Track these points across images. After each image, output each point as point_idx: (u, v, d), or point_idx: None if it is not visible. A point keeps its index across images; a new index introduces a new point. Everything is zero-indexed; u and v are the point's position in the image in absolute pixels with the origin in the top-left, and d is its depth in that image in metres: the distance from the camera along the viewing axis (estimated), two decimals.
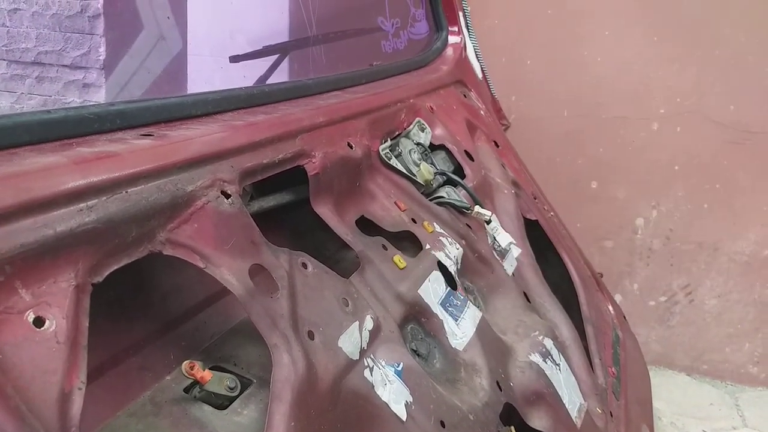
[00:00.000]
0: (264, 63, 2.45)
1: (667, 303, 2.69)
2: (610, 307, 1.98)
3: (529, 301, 1.46)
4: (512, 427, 1.10)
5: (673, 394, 2.57)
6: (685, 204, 2.57)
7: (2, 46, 3.28)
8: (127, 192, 0.71)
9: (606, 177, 2.65)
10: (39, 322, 0.59)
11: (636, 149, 2.58)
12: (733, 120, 2.43)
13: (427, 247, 1.23)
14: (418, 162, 1.40)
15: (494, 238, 1.52)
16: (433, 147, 1.55)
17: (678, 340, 2.71)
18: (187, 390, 0.90)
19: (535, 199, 1.89)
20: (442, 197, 1.42)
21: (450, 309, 1.17)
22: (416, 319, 1.11)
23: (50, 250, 0.62)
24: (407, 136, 1.46)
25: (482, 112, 1.99)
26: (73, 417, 0.57)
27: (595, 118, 2.61)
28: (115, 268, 0.70)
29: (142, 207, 0.72)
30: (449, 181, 1.49)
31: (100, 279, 0.68)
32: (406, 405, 0.92)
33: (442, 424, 0.96)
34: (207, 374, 0.82)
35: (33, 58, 3.25)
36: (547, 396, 1.21)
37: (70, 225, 0.64)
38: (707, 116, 2.46)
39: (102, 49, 3.07)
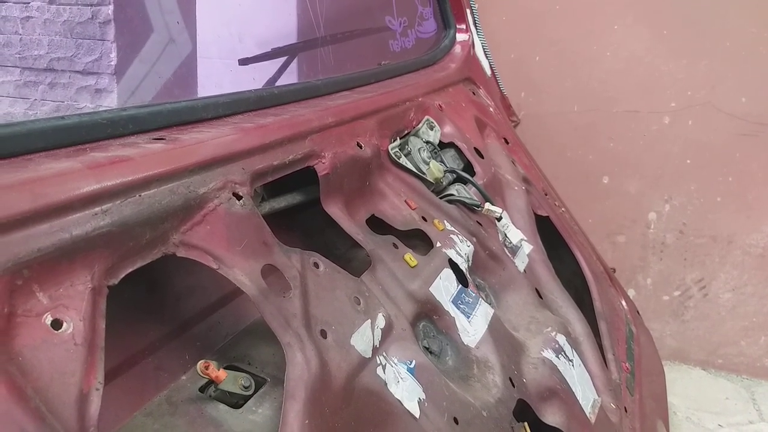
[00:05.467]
0: (273, 65, 2.46)
1: (681, 297, 2.68)
2: (624, 303, 1.98)
3: (541, 297, 1.46)
4: (526, 424, 1.10)
5: (688, 389, 2.55)
6: (698, 197, 2.55)
7: (15, 53, 3.32)
8: (140, 195, 0.72)
9: (617, 172, 2.64)
10: (57, 324, 0.60)
11: (647, 143, 2.57)
12: (745, 112, 2.41)
13: (438, 245, 1.23)
14: (428, 160, 1.40)
15: (505, 234, 1.52)
16: (443, 145, 1.55)
17: (692, 335, 2.69)
18: (202, 389, 0.91)
19: (546, 195, 1.89)
20: (452, 195, 1.42)
21: (462, 306, 1.17)
22: (428, 316, 1.11)
23: (66, 254, 0.63)
24: (416, 134, 1.46)
25: (491, 109, 1.99)
26: (91, 417, 0.58)
27: (605, 113, 2.60)
28: (131, 270, 0.71)
29: (155, 210, 0.73)
30: (459, 179, 1.49)
31: (115, 281, 0.69)
32: (419, 402, 0.93)
33: (456, 420, 0.96)
34: (222, 374, 0.84)
35: (45, 65, 3.28)
36: (560, 392, 1.21)
37: (85, 229, 0.65)
38: (719, 109, 2.44)
39: (113, 55, 3.10)
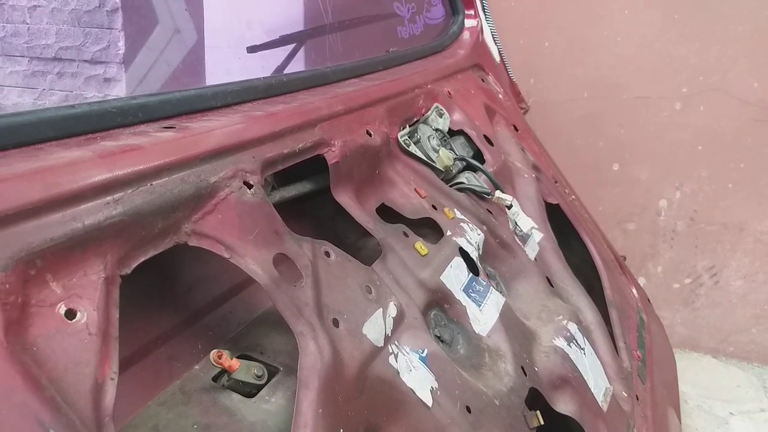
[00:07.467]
0: (281, 52, 2.45)
1: (692, 285, 2.66)
2: (634, 291, 1.97)
3: (552, 285, 1.45)
4: (538, 412, 1.10)
5: (699, 377, 2.55)
6: (709, 184, 2.53)
7: (23, 43, 3.32)
8: (152, 184, 0.72)
9: (628, 158, 2.62)
10: (70, 314, 0.60)
11: (658, 129, 2.54)
12: (757, 97, 2.38)
13: (448, 233, 1.23)
14: (437, 148, 1.39)
15: (515, 222, 1.51)
16: (452, 132, 1.54)
17: (703, 323, 2.68)
18: (215, 379, 0.91)
19: (556, 182, 1.88)
20: (462, 183, 1.42)
21: (473, 295, 1.16)
22: (439, 305, 1.11)
23: (79, 243, 0.63)
24: (425, 122, 1.45)
25: (500, 96, 1.97)
26: (106, 407, 0.58)
27: (615, 99, 2.57)
28: (143, 259, 0.71)
29: (167, 199, 0.73)
30: (469, 167, 1.48)
31: (128, 271, 0.69)
32: (432, 391, 0.92)
33: (468, 409, 0.96)
34: (235, 363, 0.84)
35: (53, 54, 3.28)
36: (572, 380, 1.21)
37: (97, 218, 0.64)
38: (731, 94, 2.41)
39: (121, 44, 3.09)
